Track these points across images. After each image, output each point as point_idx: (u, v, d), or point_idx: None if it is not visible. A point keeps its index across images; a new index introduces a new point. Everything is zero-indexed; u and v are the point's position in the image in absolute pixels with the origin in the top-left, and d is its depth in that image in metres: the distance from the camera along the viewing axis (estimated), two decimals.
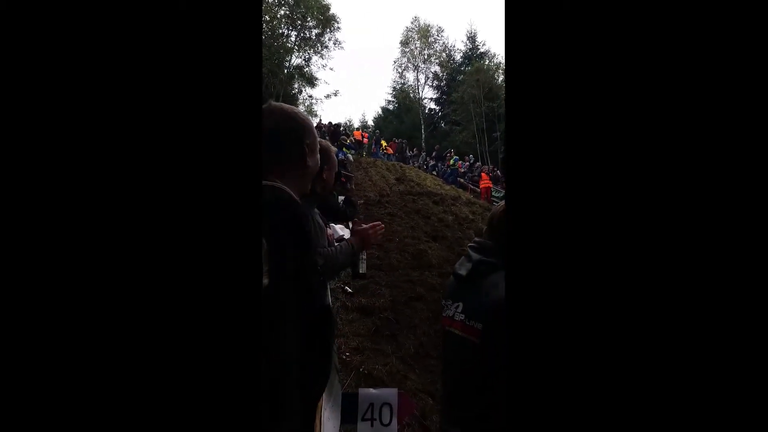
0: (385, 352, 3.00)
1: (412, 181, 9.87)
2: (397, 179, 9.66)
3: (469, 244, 1.27)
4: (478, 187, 12.34)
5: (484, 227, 1.28)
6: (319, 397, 1.07)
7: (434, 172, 14.23)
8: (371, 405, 1.74)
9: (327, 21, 19.52)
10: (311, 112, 21.03)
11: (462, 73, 24.10)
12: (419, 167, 14.37)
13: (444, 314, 1.25)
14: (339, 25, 19.85)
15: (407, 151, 16.18)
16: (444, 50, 25.37)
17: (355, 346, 2.96)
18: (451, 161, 14.58)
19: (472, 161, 15.00)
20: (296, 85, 20.06)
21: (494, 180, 12.67)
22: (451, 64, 25.34)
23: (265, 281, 0.53)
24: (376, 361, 2.83)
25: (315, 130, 1.03)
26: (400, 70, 26.12)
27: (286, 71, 18.84)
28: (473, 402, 1.11)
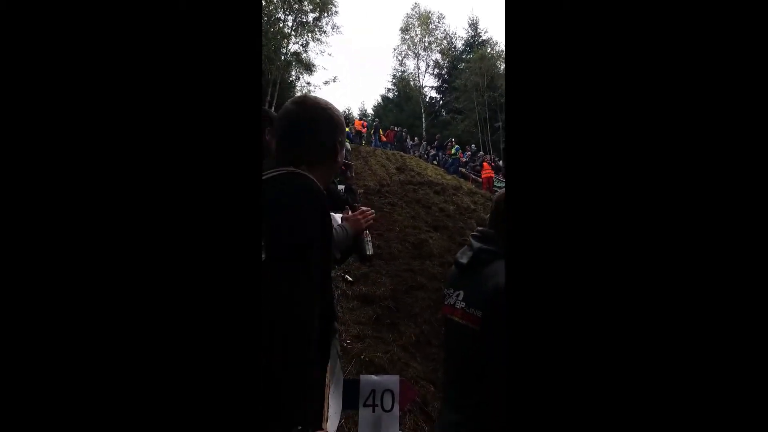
0: (386, 340, 3.01)
1: (413, 170, 9.83)
2: (398, 169, 9.62)
3: (471, 233, 1.28)
4: (480, 176, 12.30)
5: (487, 216, 1.29)
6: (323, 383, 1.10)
7: (435, 162, 14.15)
8: (373, 391, 1.75)
9: (324, 5, 19.20)
10: None
11: (463, 60, 23.83)
12: (420, 156, 14.30)
13: (445, 302, 1.26)
14: (336, 9, 19.54)
15: (408, 141, 16.07)
16: (445, 37, 25.06)
17: (355, 334, 2.98)
18: (453, 150, 14.49)
19: (474, 151, 14.90)
20: (293, 72, 19.84)
21: (496, 170, 12.62)
22: (452, 52, 25.05)
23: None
24: (377, 349, 2.84)
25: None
26: (400, 58, 25.86)
27: (283, 58, 18.60)
28: (473, 389, 1.12)
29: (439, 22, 24.97)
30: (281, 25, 18.29)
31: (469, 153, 14.54)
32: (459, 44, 25.21)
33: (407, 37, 24.89)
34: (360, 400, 1.69)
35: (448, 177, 10.93)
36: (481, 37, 24.72)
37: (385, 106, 26.27)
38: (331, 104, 1.04)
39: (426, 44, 24.82)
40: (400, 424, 2.06)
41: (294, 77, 19.98)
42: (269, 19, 17.07)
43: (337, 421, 1.19)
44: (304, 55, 19.56)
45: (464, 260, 1.22)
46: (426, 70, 25.23)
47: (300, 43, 19.40)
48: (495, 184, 11.47)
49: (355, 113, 21.92)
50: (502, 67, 22.21)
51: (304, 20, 19.33)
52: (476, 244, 1.21)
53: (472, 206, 7.06)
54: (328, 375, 1.12)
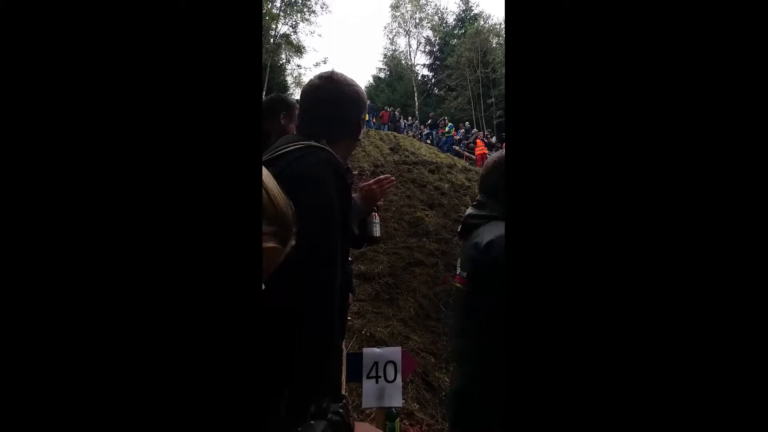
0: (386, 315, 3.08)
1: (407, 150, 9.77)
2: (391, 149, 9.56)
3: (472, 202, 1.30)
4: (474, 154, 12.25)
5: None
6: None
7: (428, 141, 14.05)
8: (376, 363, 1.79)
9: None
10: (300, 82, 20.42)
11: (455, 36, 23.33)
12: (414, 136, 14.18)
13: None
14: None
15: (401, 120, 15.88)
16: (436, 13, 24.44)
17: (356, 311, 3.04)
18: (446, 129, 14.37)
19: (467, 128, 14.78)
20: (283, 55, 19.36)
21: (489, 146, 12.57)
22: (443, 28, 24.47)
23: (293, 242, 0.54)
24: (377, 324, 2.91)
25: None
26: (390, 36, 25.30)
27: (272, 41, 18.11)
28: (463, 341, 1.19)
29: None
30: (269, 6, 17.72)
31: (463, 130, 14.43)
32: (450, 19, 24.65)
33: (397, 14, 24.27)
34: (363, 372, 1.74)
35: (442, 155, 10.88)
36: (473, 10, 24.14)
37: (377, 86, 25.80)
38: (355, 82, 1.05)
39: (417, 21, 24.23)
40: (403, 394, 2.14)
41: (284, 60, 19.51)
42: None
43: None
44: (294, 36, 19.07)
45: (459, 229, 1.26)
46: (417, 47, 24.73)
47: (289, 24, 18.89)
48: None
49: None
50: (495, 41, 21.79)
51: (293, 0, 18.75)
52: (468, 212, 1.24)
53: (467, 183, 7.07)
54: (343, 346, 1.17)
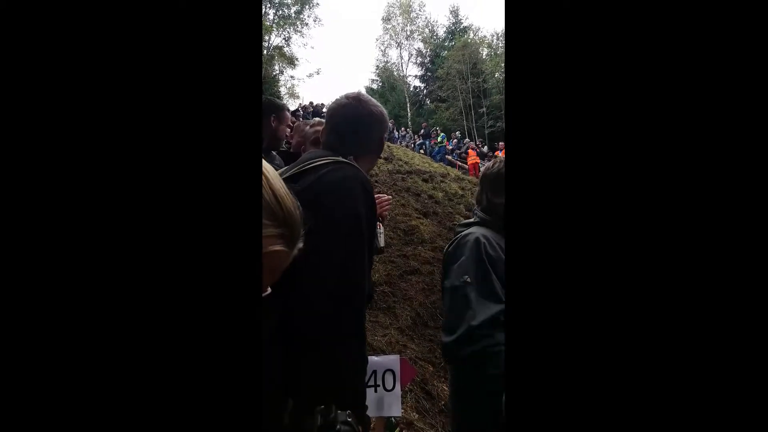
0: (383, 323, 3.06)
1: (400, 160, 9.82)
2: (385, 159, 9.60)
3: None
4: (466, 163, 12.36)
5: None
6: None
7: (422, 151, 14.17)
8: (374, 372, 1.77)
9: None
10: (293, 93, 20.55)
11: (446, 48, 23.71)
12: (407, 146, 14.29)
13: None
14: (317, 1, 19.22)
15: (395, 132, 16.04)
16: (426, 25, 24.87)
17: None
18: (438, 139, 14.52)
19: (459, 138, 14.95)
20: (276, 66, 19.49)
21: (481, 156, 12.70)
22: (434, 40, 24.88)
23: (300, 245, 0.53)
24: (374, 333, 2.89)
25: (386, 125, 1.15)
26: (382, 48, 25.59)
27: (265, 52, 18.25)
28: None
29: (420, 10, 24.78)
30: (262, 19, 17.90)
31: (455, 140, 14.59)
32: (441, 32, 25.08)
33: (389, 26, 24.66)
34: None
35: (435, 165, 10.96)
36: (462, 23, 24.61)
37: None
38: (379, 105, 1.14)
39: (408, 33, 24.63)
40: (402, 403, 2.11)
41: (277, 71, 19.64)
42: None
43: None
44: (287, 48, 19.25)
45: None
46: (409, 59, 25.08)
47: (282, 36, 19.07)
48: (481, 169, 11.52)
49: None
50: (485, 52, 22.19)
51: (286, 13, 18.98)
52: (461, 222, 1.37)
53: (460, 192, 7.11)
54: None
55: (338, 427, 0.48)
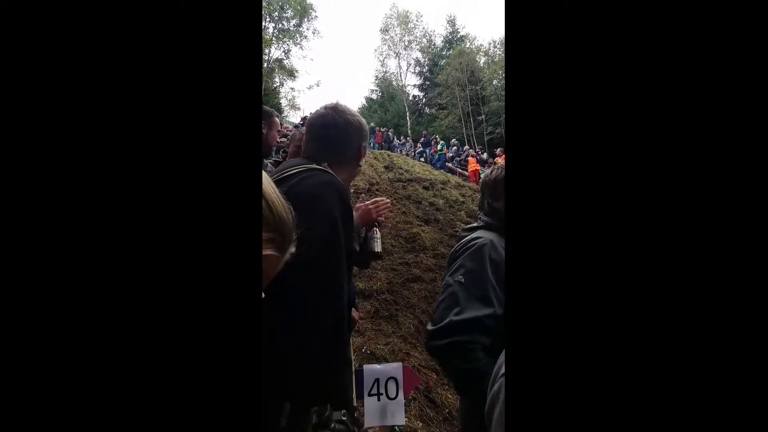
0: (385, 332, 3.04)
1: (401, 168, 9.86)
2: (386, 167, 9.64)
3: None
4: (467, 170, 12.39)
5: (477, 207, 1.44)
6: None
7: (422, 159, 14.24)
8: (377, 380, 1.75)
9: (304, 10, 19.16)
10: (294, 105, 20.73)
11: (444, 57, 23.95)
12: (407, 154, 14.37)
13: None
14: (316, 14, 19.52)
15: (395, 140, 16.15)
16: (424, 35, 25.17)
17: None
18: (438, 147, 14.60)
19: (457, 145, 15.03)
20: (277, 79, 19.72)
21: (482, 162, 12.74)
22: (432, 49, 25.16)
23: (293, 250, 0.54)
24: (377, 342, 2.87)
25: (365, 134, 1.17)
26: (381, 59, 25.91)
27: (266, 65, 18.49)
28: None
29: (417, 21, 25.12)
30: (262, 33, 18.16)
31: (454, 148, 14.67)
32: (438, 41, 25.37)
33: (387, 37, 24.96)
34: (364, 390, 1.71)
35: (436, 172, 11.00)
36: (459, 33, 24.90)
37: (369, 107, 26.25)
38: (357, 113, 1.16)
39: (406, 43, 24.92)
40: (406, 412, 2.09)
41: (278, 83, 19.87)
42: None
43: None
44: (287, 61, 19.50)
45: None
46: (407, 69, 25.34)
47: (282, 49, 19.34)
48: (481, 176, 11.55)
49: None
50: (482, 60, 22.39)
51: (285, 27, 19.27)
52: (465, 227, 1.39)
53: (461, 199, 7.12)
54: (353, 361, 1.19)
55: (333, 425, 0.49)
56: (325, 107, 1.14)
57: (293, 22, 19.31)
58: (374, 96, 26.67)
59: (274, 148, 2.03)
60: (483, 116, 21.01)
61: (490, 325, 1.05)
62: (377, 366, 1.77)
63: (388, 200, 1.43)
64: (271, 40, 18.82)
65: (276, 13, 18.74)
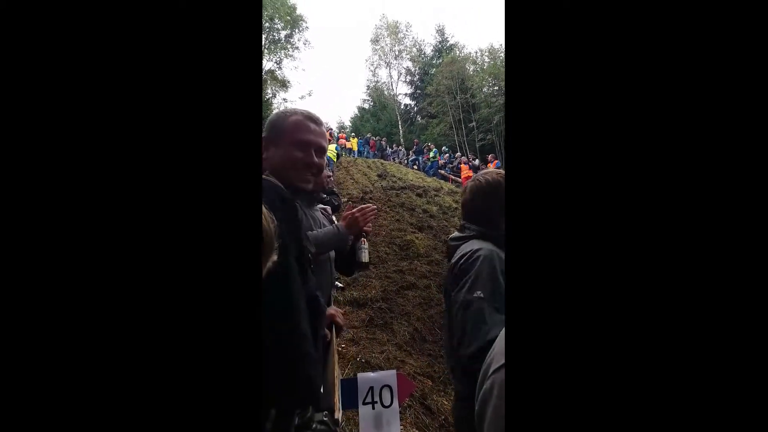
0: (380, 340, 3.03)
1: (394, 176, 9.91)
2: (379, 176, 9.68)
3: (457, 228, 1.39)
4: (459, 177, 12.47)
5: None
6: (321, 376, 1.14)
7: (415, 167, 14.33)
8: (371, 388, 1.74)
9: (295, 21, 19.33)
10: None
11: (434, 66, 24.24)
12: (400, 162, 14.46)
13: None
14: (307, 25, 19.68)
15: (387, 149, 16.26)
16: (414, 45, 25.49)
17: (350, 338, 2.99)
18: (431, 154, 14.71)
19: (449, 153, 15.17)
20: (269, 90, 19.80)
21: (474, 169, 12.83)
22: (422, 59, 25.46)
23: (274, 258, 0.55)
24: (372, 350, 2.86)
25: (303, 128, 1.11)
26: (372, 69, 26.15)
27: None
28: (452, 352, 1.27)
29: (407, 31, 25.46)
30: None
31: (447, 155, 14.80)
32: (428, 50, 25.71)
33: (377, 47, 25.24)
34: (359, 398, 1.70)
35: (429, 180, 11.06)
36: (448, 41, 25.26)
37: (362, 116, 26.41)
38: (298, 110, 1.11)
39: (396, 53, 25.20)
40: (402, 419, 2.08)
41: (270, 95, 19.93)
42: None
43: None
44: (279, 72, 19.60)
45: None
46: (399, 78, 25.59)
47: (274, 60, 19.44)
48: None
49: (333, 126, 21.89)
50: (471, 68, 22.68)
51: (276, 38, 19.40)
52: (451, 236, 1.35)
53: (454, 205, 7.15)
54: (336, 370, 1.15)
55: (314, 426, 0.50)
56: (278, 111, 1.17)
57: (284, 33, 19.47)
58: (366, 105, 26.86)
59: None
60: (474, 123, 21.22)
61: None
62: (371, 374, 1.76)
63: (375, 207, 1.39)
64: (263, 51, 18.93)
65: (266, 24, 18.87)
